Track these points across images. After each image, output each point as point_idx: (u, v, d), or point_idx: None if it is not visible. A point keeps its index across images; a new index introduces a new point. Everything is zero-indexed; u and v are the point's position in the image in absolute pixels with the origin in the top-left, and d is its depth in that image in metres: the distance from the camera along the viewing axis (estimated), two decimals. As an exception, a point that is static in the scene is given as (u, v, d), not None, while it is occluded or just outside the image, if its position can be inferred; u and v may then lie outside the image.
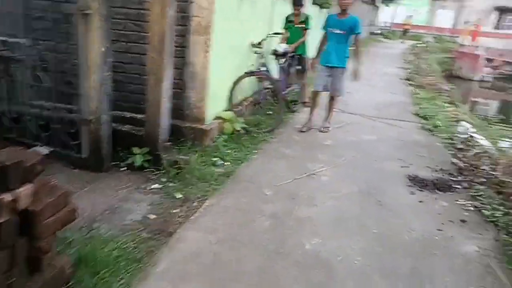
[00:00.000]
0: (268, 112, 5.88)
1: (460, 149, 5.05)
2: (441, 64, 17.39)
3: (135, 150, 3.74)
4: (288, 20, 6.31)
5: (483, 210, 3.36)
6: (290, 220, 3.11)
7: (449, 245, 2.88)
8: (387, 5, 35.05)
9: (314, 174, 4.00)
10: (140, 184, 3.51)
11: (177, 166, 3.71)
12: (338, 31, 4.98)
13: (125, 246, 2.59)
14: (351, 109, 6.84)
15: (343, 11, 4.98)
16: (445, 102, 8.08)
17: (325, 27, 5.15)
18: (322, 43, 5.28)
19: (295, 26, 6.19)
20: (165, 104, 3.68)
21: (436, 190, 3.80)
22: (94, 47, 3.26)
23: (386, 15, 36.16)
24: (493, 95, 16.22)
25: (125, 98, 4.47)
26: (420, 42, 23.67)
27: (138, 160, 3.69)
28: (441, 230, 3.07)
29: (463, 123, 6.18)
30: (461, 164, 4.42)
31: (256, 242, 2.78)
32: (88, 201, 3.10)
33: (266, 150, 4.59)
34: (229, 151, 4.39)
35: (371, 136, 5.40)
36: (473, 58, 18.21)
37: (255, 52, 5.35)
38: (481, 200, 3.53)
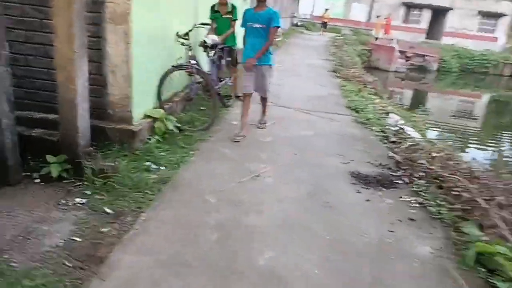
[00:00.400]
0: (201, 108, 5.50)
1: (394, 142, 5.13)
2: (360, 56, 18.19)
3: (50, 158, 3.17)
4: (214, 10, 5.94)
5: (428, 207, 3.36)
6: (238, 230, 2.81)
7: (403, 248, 2.80)
8: (306, -2, 35.95)
9: (257, 176, 3.74)
10: (59, 198, 2.97)
11: (103, 174, 3.21)
12: (257, 25, 4.57)
13: (43, 282, 2.12)
14: (283, 102, 6.70)
15: (260, 3, 4.59)
16: (370, 94, 8.32)
17: (243, 23, 4.73)
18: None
19: (223, 16, 5.86)
20: (82, 104, 3.15)
21: (380, 187, 3.76)
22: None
23: (306, 7, 37.13)
24: (408, 84, 17.42)
25: (32, 96, 3.83)
26: (339, 34, 24.57)
27: (55, 170, 3.13)
28: (392, 232, 2.99)
29: (392, 115, 6.37)
30: (398, 158, 4.46)
31: (203, 262, 2.44)
32: (-9, 226, 2.51)
33: (203, 150, 4.23)
34: (163, 153, 3.96)
35: (309, 131, 5.29)
36: (388, 50, 19.38)
37: (182, 44, 4.92)
38: (424, 196, 3.54)
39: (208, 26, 5.84)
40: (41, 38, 3.68)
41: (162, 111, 4.38)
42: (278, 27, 4.58)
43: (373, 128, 5.65)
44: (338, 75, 10.25)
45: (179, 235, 2.69)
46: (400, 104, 9.99)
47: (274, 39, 4.80)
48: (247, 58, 4.67)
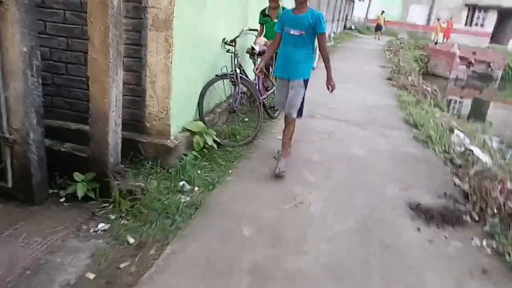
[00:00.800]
0: (245, 119, 5.15)
1: (459, 166, 4.50)
2: (417, 61, 17.13)
3: (77, 176, 2.94)
4: (264, 14, 5.58)
5: (505, 255, 2.78)
6: (276, 276, 2.41)
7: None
8: (361, 0, 34.86)
9: (302, 203, 3.31)
10: (81, 223, 2.72)
11: (132, 196, 2.94)
12: (293, 32, 3.69)
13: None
14: (335, 114, 6.22)
15: (300, 4, 3.69)
16: (431, 106, 7.61)
17: (279, 26, 3.87)
18: (271, 47, 4.08)
19: (273, 21, 5.48)
20: (114, 118, 2.89)
21: (445, 224, 3.20)
22: (13, 47, 2.42)
23: (360, 10, 35.95)
24: (469, 94, 16.12)
25: (69, 106, 3.66)
26: (395, 38, 23.45)
27: (81, 189, 2.89)
28: None
29: (457, 132, 5.66)
30: (466, 187, 3.85)
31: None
32: (3, 253, 2.29)
33: (243, 169, 3.87)
34: (199, 171, 3.64)
35: (362, 149, 4.77)
36: (448, 56, 18.08)
37: (228, 51, 4.60)
38: (499, 240, 2.95)
39: (257, 32, 5.51)
40: (82, 46, 3.47)
41: (202, 124, 4.07)
42: (323, 33, 3.71)
43: (435, 147, 5.02)
44: (395, 83, 9.55)
45: (206, 277, 2.33)
46: (459, 116, 9.09)
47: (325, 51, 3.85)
48: (279, 71, 3.96)
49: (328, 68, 3.87)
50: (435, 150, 4.94)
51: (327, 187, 3.65)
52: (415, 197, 3.60)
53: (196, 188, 3.39)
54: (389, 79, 10.04)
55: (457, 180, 4.05)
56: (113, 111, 2.84)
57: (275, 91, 4.18)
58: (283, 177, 3.71)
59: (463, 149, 4.97)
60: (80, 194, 2.86)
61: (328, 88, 3.94)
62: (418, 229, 3.09)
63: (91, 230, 2.64)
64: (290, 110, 3.86)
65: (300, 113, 3.98)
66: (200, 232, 2.77)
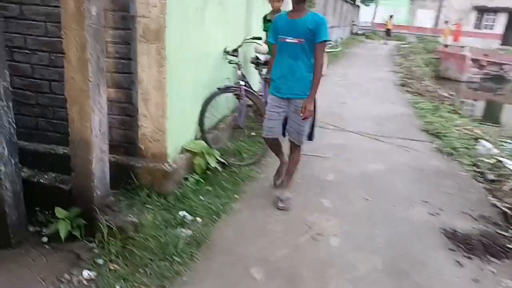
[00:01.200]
0: (252, 134, 4.73)
1: (492, 181, 4.04)
2: (428, 65, 16.63)
3: (59, 212, 2.54)
4: (266, 20, 5.17)
5: None
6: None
7: None
8: (366, 5, 34.58)
9: (320, 234, 2.88)
10: (63, 270, 2.31)
11: (123, 235, 2.53)
12: (291, 39, 2.97)
13: None
14: (347, 125, 5.78)
15: (297, 5, 2.99)
16: (449, 112, 7.13)
17: (272, 35, 3.16)
18: (273, 60, 3.28)
19: None
20: (99, 145, 2.50)
21: (489, 256, 2.74)
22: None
23: (366, 15, 35.62)
24: (482, 96, 15.57)
25: (55, 128, 3.29)
26: (404, 42, 23.00)
27: (63, 228, 2.49)
28: None
29: (483, 142, 5.19)
30: (505, 208, 3.39)
31: None
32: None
33: (251, 193, 3.46)
34: (201, 197, 3.23)
35: (380, 165, 4.33)
36: (459, 58, 17.55)
37: (230, 62, 4.21)
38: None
39: (261, 41, 5.12)
40: (66, 61, 3.14)
41: (203, 143, 3.67)
42: (326, 41, 2.98)
43: (462, 160, 4.56)
44: (408, 89, 9.09)
45: None
46: (473, 119, 8.57)
47: (324, 58, 3.09)
48: (274, 88, 3.19)
49: (315, 85, 3.02)
50: (462, 163, 4.48)
51: (346, 214, 3.21)
52: (448, 222, 3.15)
53: (199, 219, 2.97)
54: (402, 85, 9.58)
55: (493, 199, 3.60)
56: (96, 137, 2.45)
57: (266, 112, 3.28)
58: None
59: (492, 160, 4.51)
60: (62, 234, 2.45)
61: (301, 112, 3.06)
62: (458, 263, 2.64)
63: (74, 280, 2.23)
64: (298, 137, 3.21)
65: (310, 135, 3.33)
66: (203, 278, 2.35)
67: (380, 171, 4.15)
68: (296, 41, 2.96)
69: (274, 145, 3.46)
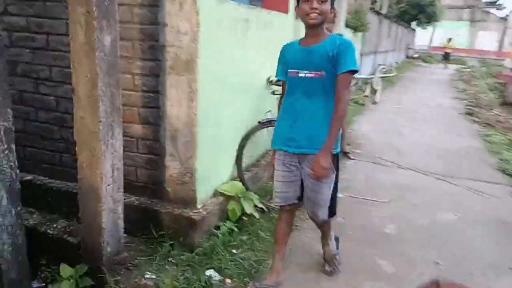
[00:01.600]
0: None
1: None
2: (493, 90, 15.30)
3: (64, 270, 2.17)
4: None
5: None
6: None
7: None
8: (423, 28, 33.30)
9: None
10: None
11: (134, 303, 2.10)
12: (304, 74, 2.17)
13: None
14: (407, 161, 5.09)
15: (312, 31, 2.19)
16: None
17: (280, 69, 2.35)
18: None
19: None
20: (111, 194, 2.12)
21: None
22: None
23: (422, 39, 34.32)
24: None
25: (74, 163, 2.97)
26: (465, 66, 21.60)
27: (67, 291, 2.10)
28: None
29: None
30: None
31: None
32: None
33: (292, 247, 2.92)
34: (233, 251, 2.75)
35: (450, 214, 3.62)
36: (527, 83, 16.05)
37: (274, 93, 3.77)
38: None
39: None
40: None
41: (239, 185, 3.21)
42: (353, 72, 2.14)
43: (554, 210, 3.74)
44: (475, 118, 8.17)
45: None
46: None
47: (349, 97, 2.37)
48: (280, 140, 2.32)
49: (333, 131, 2.14)
50: (555, 216, 3.66)
51: (410, 282, 2.57)
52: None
53: (228, 281, 2.49)
54: (468, 113, 8.64)
55: None
56: (108, 185, 2.07)
57: (274, 175, 2.42)
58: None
59: None
60: (65, 298, 2.07)
61: (311, 170, 2.19)
62: None
63: None
64: (314, 209, 2.35)
65: (331, 210, 2.41)
66: None
67: (451, 223, 3.45)
68: (313, 75, 2.15)
69: (285, 217, 2.47)
